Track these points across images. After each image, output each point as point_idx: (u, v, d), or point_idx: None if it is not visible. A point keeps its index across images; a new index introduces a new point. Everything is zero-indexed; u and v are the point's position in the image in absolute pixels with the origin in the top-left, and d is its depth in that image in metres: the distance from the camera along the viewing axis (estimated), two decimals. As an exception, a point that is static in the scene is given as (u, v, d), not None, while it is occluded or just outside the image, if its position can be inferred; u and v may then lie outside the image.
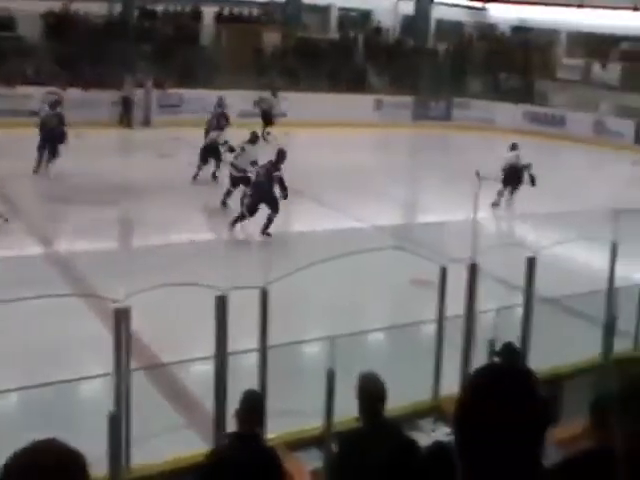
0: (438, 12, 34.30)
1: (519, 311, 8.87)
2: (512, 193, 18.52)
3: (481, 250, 8.57)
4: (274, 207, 14.21)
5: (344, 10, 35.26)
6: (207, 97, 24.00)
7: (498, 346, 7.45)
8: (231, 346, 6.14)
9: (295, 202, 17.59)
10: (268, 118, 25.42)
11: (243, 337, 6.47)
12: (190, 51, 27.91)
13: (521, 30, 35.66)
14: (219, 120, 20.36)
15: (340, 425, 6.22)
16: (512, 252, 9.03)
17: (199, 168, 18.43)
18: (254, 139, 16.51)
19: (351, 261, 11.63)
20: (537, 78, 32.94)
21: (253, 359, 6.46)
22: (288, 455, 6.25)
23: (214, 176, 18.56)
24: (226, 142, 17.64)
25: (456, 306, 8.35)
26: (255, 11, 32.09)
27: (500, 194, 17.81)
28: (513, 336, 8.32)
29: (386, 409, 5.18)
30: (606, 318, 9.36)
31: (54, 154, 18.41)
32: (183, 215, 15.49)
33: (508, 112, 30.60)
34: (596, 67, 31.59)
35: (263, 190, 14.20)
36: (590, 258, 15.75)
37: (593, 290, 10.05)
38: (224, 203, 16.26)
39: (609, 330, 9.27)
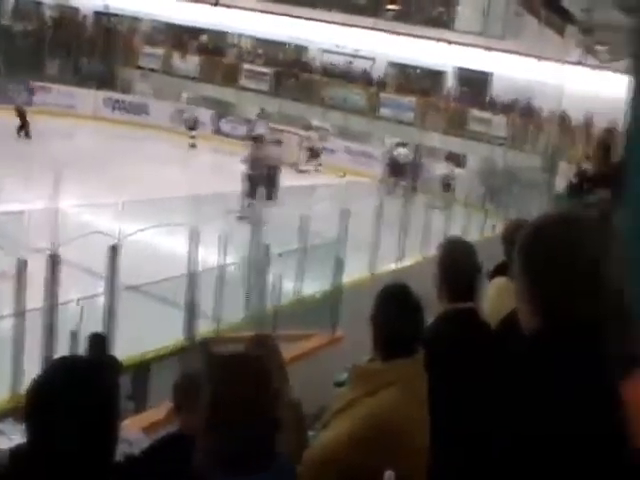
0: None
1: (103, 300, 8.85)
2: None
3: (64, 240, 8.35)
4: None
5: None
6: None
7: (83, 336, 7.35)
8: None
9: None
10: None
11: None
12: None
13: (104, 15, 35.33)
14: None
15: None
16: (95, 241, 8.94)
17: None
18: None
19: None
20: (119, 65, 32.92)
21: None
22: None
23: None
24: None
25: (39, 298, 8.07)
26: None
27: None
28: (100, 325, 8.27)
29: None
30: (188, 302, 9.73)
31: None
32: None
33: (89, 98, 30.19)
34: (176, 57, 32.43)
35: None
36: (172, 244, 16.23)
37: (175, 275, 10.37)
38: None
39: (191, 313, 9.65)
